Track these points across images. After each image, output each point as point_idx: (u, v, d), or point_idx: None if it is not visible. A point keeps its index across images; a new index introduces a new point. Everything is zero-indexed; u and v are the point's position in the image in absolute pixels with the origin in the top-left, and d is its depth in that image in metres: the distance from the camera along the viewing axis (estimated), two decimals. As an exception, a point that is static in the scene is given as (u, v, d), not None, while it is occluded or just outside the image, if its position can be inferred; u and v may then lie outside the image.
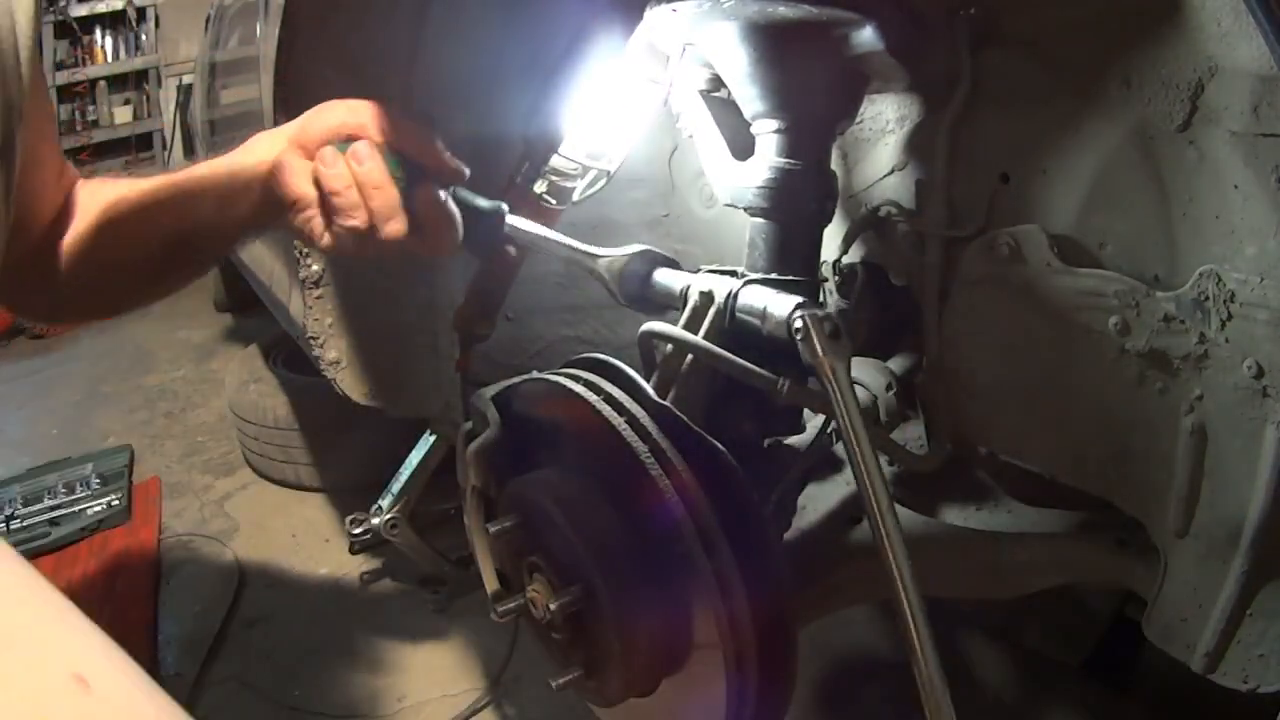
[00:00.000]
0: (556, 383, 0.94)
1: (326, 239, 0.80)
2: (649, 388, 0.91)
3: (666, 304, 1.00)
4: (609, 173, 1.27)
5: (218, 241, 0.89)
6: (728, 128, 1.25)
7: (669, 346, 1.07)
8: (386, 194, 0.78)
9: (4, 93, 0.70)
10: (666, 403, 0.89)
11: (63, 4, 5.88)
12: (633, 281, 0.97)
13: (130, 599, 2.18)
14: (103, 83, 6.12)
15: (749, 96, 1.09)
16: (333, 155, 0.78)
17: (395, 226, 0.78)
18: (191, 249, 0.89)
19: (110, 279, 0.89)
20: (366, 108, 0.81)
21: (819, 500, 1.29)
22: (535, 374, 1.00)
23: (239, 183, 0.81)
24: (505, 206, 0.88)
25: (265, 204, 0.81)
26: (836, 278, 1.27)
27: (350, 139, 0.79)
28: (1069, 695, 1.77)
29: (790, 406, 1.15)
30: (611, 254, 0.97)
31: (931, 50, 1.04)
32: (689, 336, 1.05)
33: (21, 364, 4.23)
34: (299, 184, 0.78)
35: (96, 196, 0.88)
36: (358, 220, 0.78)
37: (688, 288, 1.13)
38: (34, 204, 0.83)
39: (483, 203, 0.87)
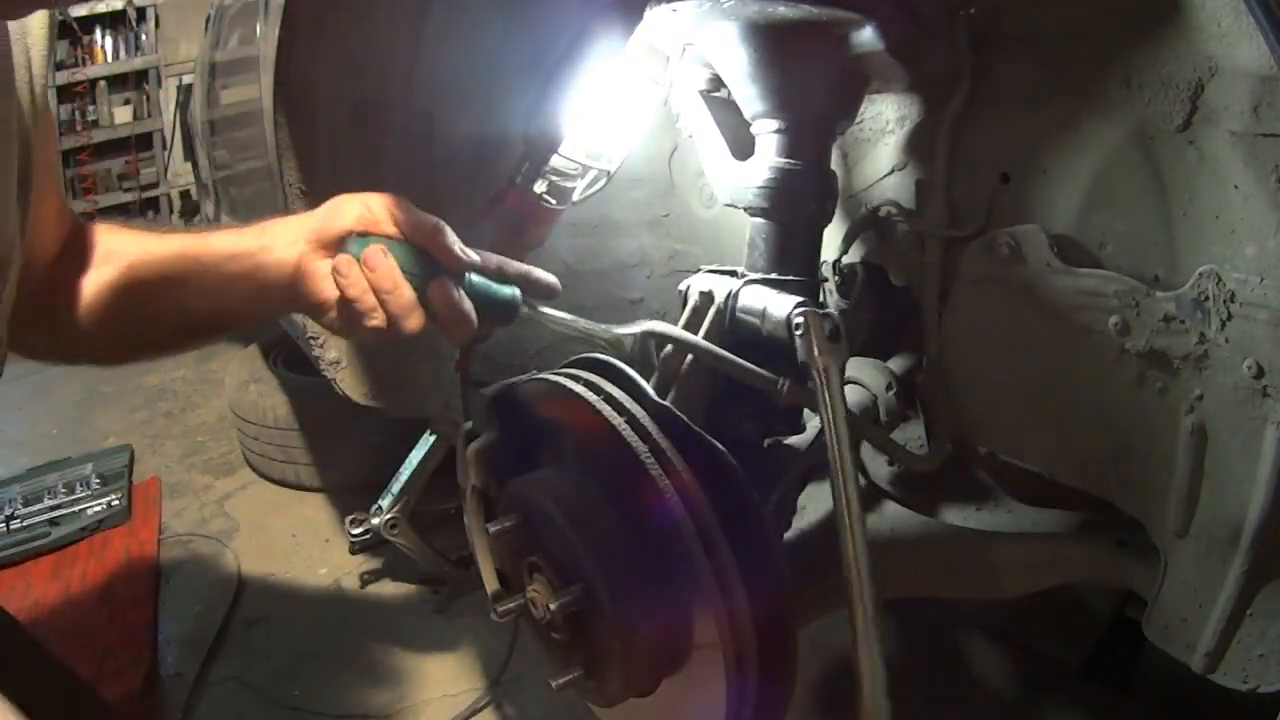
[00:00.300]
0: (556, 383, 0.94)
1: (350, 334, 0.84)
2: (649, 388, 0.91)
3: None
4: (609, 173, 1.26)
5: (239, 325, 0.94)
6: (728, 128, 1.25)
7: (669, 346, 1.08)
8: (400, 296, 0.81)
9: (22, 131, 0.71)
10: (666, 403, 0.89)
11: (63, 4, 5.87)
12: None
13: (130, 599, 2.18)
14: (103, 83, 6.11)
15: (749, 96, 1.09)
16: (347, 264, 0.81)
17: (412, 323, 0.82)
18: (212, 329, 0.94)
19: (125, 343, 0.93)
20: (381, 203, 0.84)
21: (819, 500, 1.29)
22: (535, 374, 1.00)
23: (266, 280, 0.84)
24: (519, 294, 0.91)
25: (290, 301, 0.85)
26: (836, 278, 1.27)
27: (366, 234, 0.82)
28: (1069, 695, 1.77)
29: (790, 406, 1.15)
30: (622, 331, 1.00)
31: (931, 50, 1.04)
32: (690, 337, 1.05)
33: (21, 364, 4.21)
34: (322, 289, 0.82)
35: (113, 257, 0.90)
36: (376, 322, 0.82)
37: (688, 288, 1.13)
38: (36, 236, 0.84)
39: (500, 292, 0.90)
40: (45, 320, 0.89)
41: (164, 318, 0.89)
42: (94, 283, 0.88)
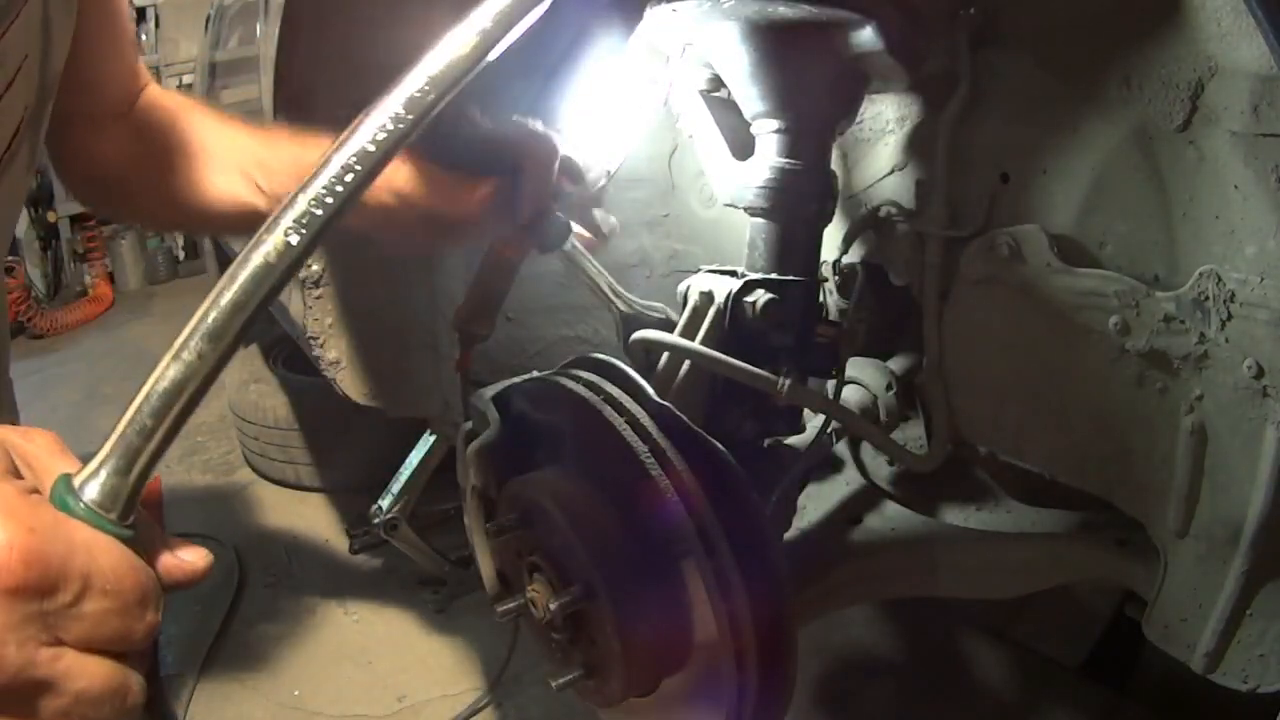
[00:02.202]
0: (556, 383, 0.94)
1: None
2: (649, 388, 0.91)
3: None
4: (609, 173, 1.26)
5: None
6: (728, 128, 1.25)
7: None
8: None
9: None
10: (666, 403, 0.89)
11: (63, 4, 5.87)
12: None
13: (130, 599, 2.17)
14: (103, 83, 6.11)
15: (749, 96, 1.09)
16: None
17: None
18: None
19: (162, 221, 0.95)
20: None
21: (819, 500, 1.29)
22: (535, 374, 1.00)
23: None
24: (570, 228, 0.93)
25: None
26: (836, 278, 1.27)
27: None
28: (1069, 695, 1.77)
29: (790, 406, 1.15)
30: (638, 304, 0.99)
31: (931, 50, 1.04)
32: (682, 342, 1.05)
33: (21, 364, 4.23)
34: None
35: (181, 143, 0.91)
36: None
37: (688, 288, 1.13)
38: (100, 74, 0.85)
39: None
40: (100, 176, 0.90)
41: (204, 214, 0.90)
42: (151, 159, 0.89)
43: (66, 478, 0.43)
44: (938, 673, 1.89)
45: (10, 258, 4.78)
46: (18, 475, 0.44)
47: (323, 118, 1.22)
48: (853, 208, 1.26)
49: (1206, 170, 0.82)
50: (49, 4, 0.70)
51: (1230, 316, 0.83)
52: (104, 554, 0.42)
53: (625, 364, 0.94)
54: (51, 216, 5.26)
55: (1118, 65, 0.88)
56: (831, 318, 1.27)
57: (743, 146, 1.17)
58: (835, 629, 1.94)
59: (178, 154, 0.90)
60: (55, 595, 0.40)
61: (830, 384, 1.19)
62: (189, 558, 0.48)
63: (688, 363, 1.08)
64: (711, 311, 1.08)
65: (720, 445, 0.86)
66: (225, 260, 3.48)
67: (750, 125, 1.12)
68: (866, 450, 1.37)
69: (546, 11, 0.50)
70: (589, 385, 0.92)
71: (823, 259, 1.18)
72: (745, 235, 1.13)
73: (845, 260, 1.26)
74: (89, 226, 5.30)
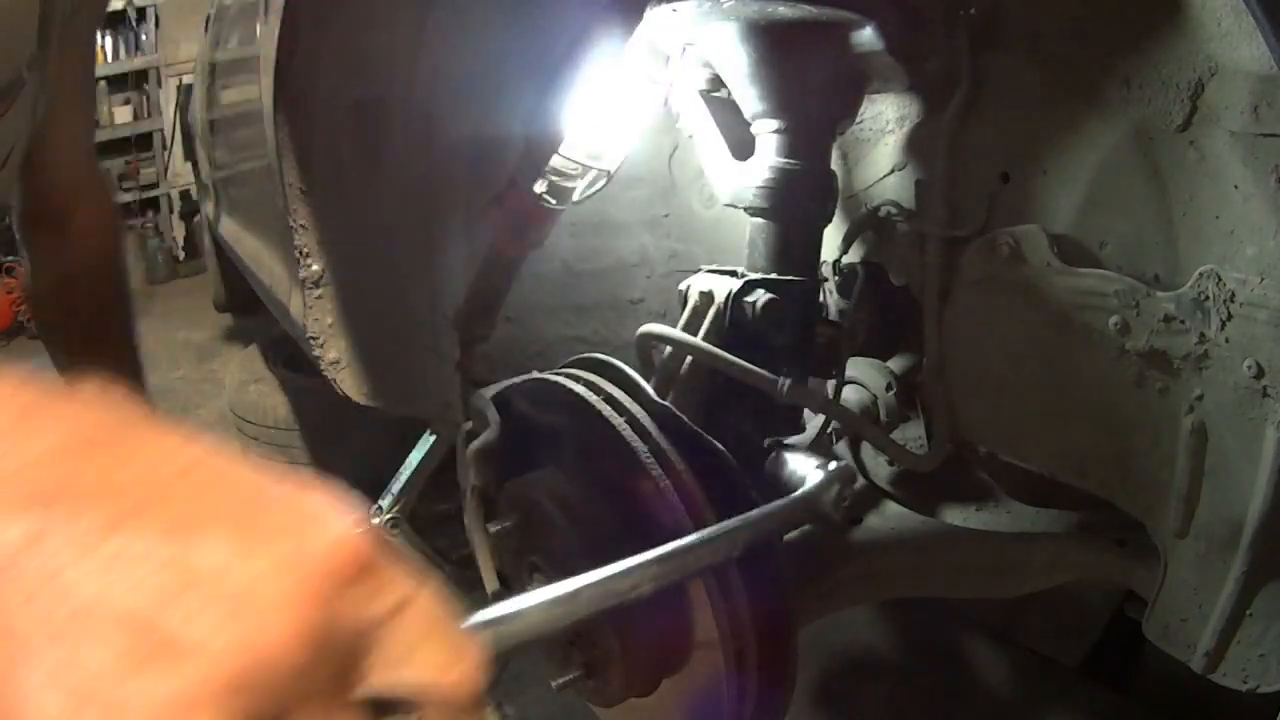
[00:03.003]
0: (556, 382, 0.94)
1: None
2: (649, 388, 0.91)
3: None
4: (609, 173, 1.26)
5: None
6: (728, 128, 1.26)
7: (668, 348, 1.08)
8: None
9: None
10: (666, 403, 0.89)
11: (63, 4, 5.87)
12: None
13: (130, 599, 2.17)
14: (103, 82, 6.10)
15: (749, 96, 1.09)
16: None
17: None
18: None
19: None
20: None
21: (819, 500, 1.29)
22: (535, 374, 1.00)
23: None
24: None
25: None
26: (836, 278, 1.27)
27: None
28: (1069, 695, 1.77)
29: (790, 406, 1.15)
30: None
31: (931, 50, 1.04)
32: (688, 338, 1.05)
33: (21, 364, 4.22)
34: None
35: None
36: None
37: (688, 288, 1.13)
38: (53, 162, 0.84)
39: None
40: (48, 243, 0.90)
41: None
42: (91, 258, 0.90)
43: None
44: (938, 673, 1.88)
45: (10, 258, 4.79)
46: None
47: (323, 117, 1.22)
48: (853, 208, 1.26)
49: (1206, 170, 0.82)
50: (38, 94, 0.70)
51: (1230, 316, 0.83)
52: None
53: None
54: (51, 216, 5.26)
55: (1118, 65, 0.88)
56: (831, 318, 1.27)
57: (743, 146, 1.17)
58: (835, 629, 1.94)
59: None
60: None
61: (830, 384, 1.19)
62: None
63: (688, 362, 1.08)
64: (711, 311, 1.08)
65: (720, 445, 0.86)
66: (226, 261, 3.48)
67: (750, 125, 1.12)
68: (866, 450, 1.37)
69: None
70: (589, 385, 0.92)
71: (823, 259, 1.18)
72: (745, 235, 1.13)
73: (845, 260, 1.26)
74: (89, 226, 5.30)
